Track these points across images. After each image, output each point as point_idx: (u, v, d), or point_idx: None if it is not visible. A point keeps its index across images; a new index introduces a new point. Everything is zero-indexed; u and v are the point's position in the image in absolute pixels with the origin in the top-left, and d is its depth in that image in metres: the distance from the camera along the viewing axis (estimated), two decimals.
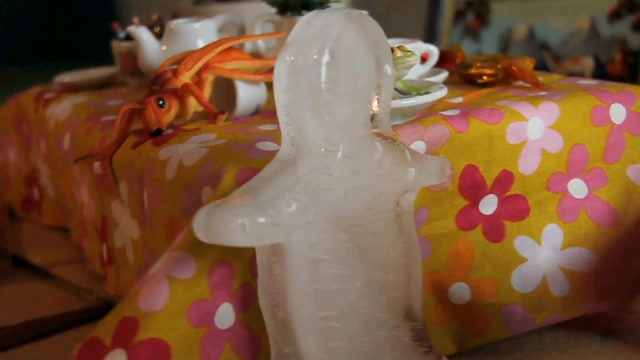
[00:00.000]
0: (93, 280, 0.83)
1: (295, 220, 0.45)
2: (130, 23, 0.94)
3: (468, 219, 0.61)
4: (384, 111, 0.50)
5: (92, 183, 0.74)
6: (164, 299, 0.47)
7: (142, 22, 0.93)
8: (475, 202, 0.61)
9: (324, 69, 0.46)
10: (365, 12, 0.50)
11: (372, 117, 0.50)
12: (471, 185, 0.60)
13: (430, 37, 1.27)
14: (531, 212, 0.63)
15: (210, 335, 0.49)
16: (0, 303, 0.82)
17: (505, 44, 1.21)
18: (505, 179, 0.62)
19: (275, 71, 0.46)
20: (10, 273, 0.91)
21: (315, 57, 0.46)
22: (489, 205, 0.62)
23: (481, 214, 0.61)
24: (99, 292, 0.79)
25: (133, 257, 0.67)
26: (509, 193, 0.62)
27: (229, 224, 0.43)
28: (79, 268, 0.87)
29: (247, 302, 0.51)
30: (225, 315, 0.50)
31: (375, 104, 0.49)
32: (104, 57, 1.06)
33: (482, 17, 1.23)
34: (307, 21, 0.46)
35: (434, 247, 0.59)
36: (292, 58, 0.45)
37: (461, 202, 0.60)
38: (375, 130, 0.50)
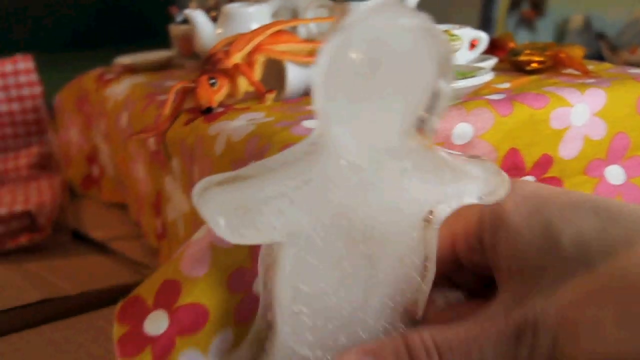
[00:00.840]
0: (149, 255, 0.86)
1: (281, 226, 0.43)
2: (188, 7, 0.96)
3: None
4: (431, 123, 0.45)
5: (147, 159, 0.76)
6: (206, 266, 0.49)
7: (200, 6, 0.96)
8: None
9: (367, 68, 0.41)
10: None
11: (415, 127, 0.45)
12: (511, 167, 0.61)
13: (484, 26, 1.27)
14: None
15: (246, 299, 0.50)
16: (61, 274, 0.85)
17: (561, 34, 1.20)
18: (544, 162, 0.62)
19: (317, 58, 0.41)
20: (71, 247, 0.95)
21: (360, 54, 0.41)
22: None
23: None
24: (155, 266, 0.82)
25: (184, 230, 0.69)
26: (546, 175, 0.63)
27: (210, 217, 0.41)
28: (136, 243, 0.90)
29: None
30: None
31: (423, 114, 0.45)
32: (164, 40, 1.09)
33: (538, 7, 1.23)
34: (365, 12, 0.41)
35: None
36: (335, 49, 0.41)
37: None
38: (411, 143, 0.46)
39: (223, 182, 0.42)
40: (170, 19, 0.99)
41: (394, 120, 0.45)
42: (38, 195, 0.99)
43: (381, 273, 0.48)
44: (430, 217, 0.48)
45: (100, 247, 0.93)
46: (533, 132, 0.61)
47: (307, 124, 0.58)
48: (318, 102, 0.42)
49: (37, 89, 1.13)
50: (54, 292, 0.79)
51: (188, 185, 0.66)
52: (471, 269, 0.49)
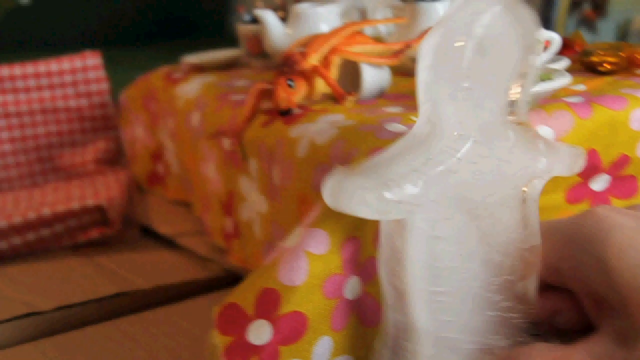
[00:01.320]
0: (215, 252, 0.87)
1: (418, 199, 0.46)
2: (254, 6, 0.98)
3: (577, 193, 0.62)
4: (524, 99, 0.50)
5: (220, 159, 0.78)
6: (304, 275, 0.50)
7: (266, 6, 0.97)
8: (587, 179, 0.63)
9: (469, 54, 0.46)
10: None
11: (511, 105, 0.49)
12: (588, 167, 0.61)
13: (544, 26, 1.26)
14: (639, 191, 0.65)
15: (340, 305, 0.52)
16: (132, 268, 0.87)
17: (623, 35, 1.19)
18: (621, 162, 0.63)
19: (421, 48, 0.46)
20: (140, 242, 0.97)
21: (462, 41, 0.46)
22: (600, 182, 0.63)
23: (591, 190, 0.63)
24: (222, 262, 0.84)
25: (260, 230, 0.70)
26: (621, 173, 0.64)
27: (356, 197, 0.45)
28: (202, 240, 0.92)
29: (372, 274, 0.54)
30: (354, 287, 0.53)
31: (516, 91, 0.49)
32: (218, 36, 1.11)
33: (599, 8, 1.22)
34: (460, 4, 0.46)
35: (542, 217, 0.60)
36: (440, 38, 0.45)
37: (574, 180, 0.62)
38: (511, 118, 0.50)
39: (355, 171, 0.46)
40: (224, 15, 1.01)
41: (494, 95, 0.48)
42: (107, 190, 1.01)
43: (494, 250, 0.50)
44: (524, 194, 0.51)
45: (167, 243, 0.95)
46: (612, 133, 0.62)
47: (390, 127, 0.59)
48: (427, 86, 0.46)
49: (105, 85, 1.15)
50: (127, 286, 0.81)
51: (266, 186, 0.68)
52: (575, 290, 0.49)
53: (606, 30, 1.22)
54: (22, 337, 0.73)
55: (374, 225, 0.52)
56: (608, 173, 0.63)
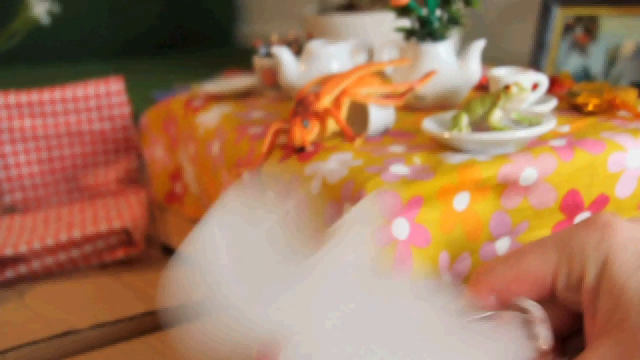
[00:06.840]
0: None
1: None
2: (269, 40, 1.05)
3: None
4: None
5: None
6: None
7: (280, 40, 1.05)
8: (571, 217, 0.70)
9: None
10: None
11: None
12: (571, 205, 0.69)
13: (538, 48, 1.34)
14: None
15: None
16: (158, 287, 0.94)
17: (612, 59, 1.26)
18: (601, 201, 0.70)
19: None
20: (162, 260, 1.05)
21: None
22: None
23: None
24: None
25: None
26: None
27: None
28: None
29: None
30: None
31: None
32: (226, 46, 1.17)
33: (591, 32, 1.29)
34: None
35: None
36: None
37: (559, 217, 0.69)
38: None
39: None
40: (232, 27, 1.07)
41: None
42: (130, 211, 1.08)
43: None
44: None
45: None
46: (592, 175, 0.69)
47: (393, 169, 0.66)
48: None
49: (127, 109, 1.23)
50: (154, 304, 0.87)
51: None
52: (562, 303, 0.48)
53: (597, 53, 1.29)
54: (62, 354, 0.80)
55: None
56: (589, 211, 0.70)
